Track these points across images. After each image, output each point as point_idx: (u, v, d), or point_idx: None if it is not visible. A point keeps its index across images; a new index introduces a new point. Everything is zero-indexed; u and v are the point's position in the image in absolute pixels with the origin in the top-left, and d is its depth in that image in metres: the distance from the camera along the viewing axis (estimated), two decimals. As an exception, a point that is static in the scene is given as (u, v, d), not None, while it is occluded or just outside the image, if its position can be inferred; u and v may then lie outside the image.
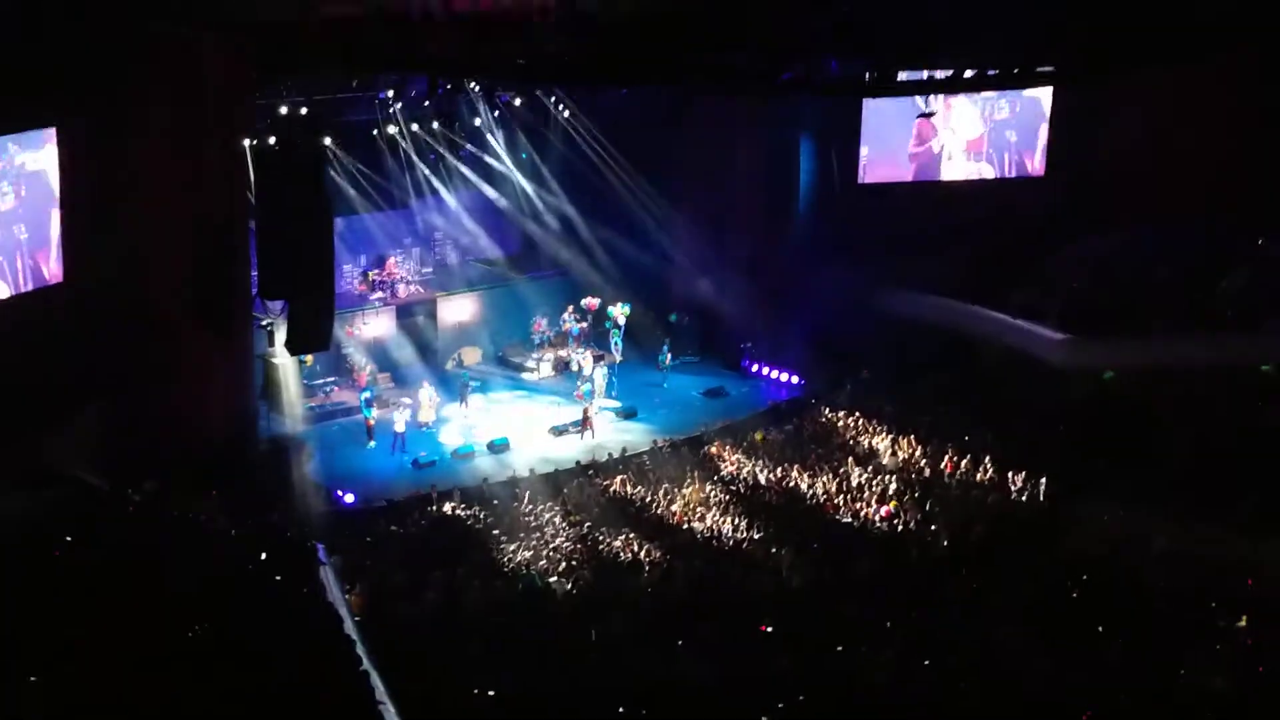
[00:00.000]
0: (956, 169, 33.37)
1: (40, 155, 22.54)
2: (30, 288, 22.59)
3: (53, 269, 22.98)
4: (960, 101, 31.44)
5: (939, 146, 33.24)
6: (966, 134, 33.01)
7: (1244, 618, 17.64)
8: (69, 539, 16.91)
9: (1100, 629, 18.01)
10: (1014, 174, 33.34)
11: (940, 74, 23.69)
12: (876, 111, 32.41)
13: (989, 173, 33.42)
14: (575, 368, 31.54)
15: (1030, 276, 31.01)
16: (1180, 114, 30.09)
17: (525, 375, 32.17)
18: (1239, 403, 26.33)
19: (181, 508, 20.37)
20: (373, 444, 27.94)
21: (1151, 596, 19.25)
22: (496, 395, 31.10)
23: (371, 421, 28.12)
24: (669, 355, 32.36)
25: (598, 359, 31.86)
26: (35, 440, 21.91)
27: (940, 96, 31.24)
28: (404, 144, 30.84)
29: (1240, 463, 24.02)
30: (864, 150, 33.01)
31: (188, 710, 12.04)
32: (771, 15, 21.39)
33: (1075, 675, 16.42)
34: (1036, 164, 33.26)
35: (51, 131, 22.57)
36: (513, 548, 23.17)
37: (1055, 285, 30.52)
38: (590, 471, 26.86)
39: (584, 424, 28.82)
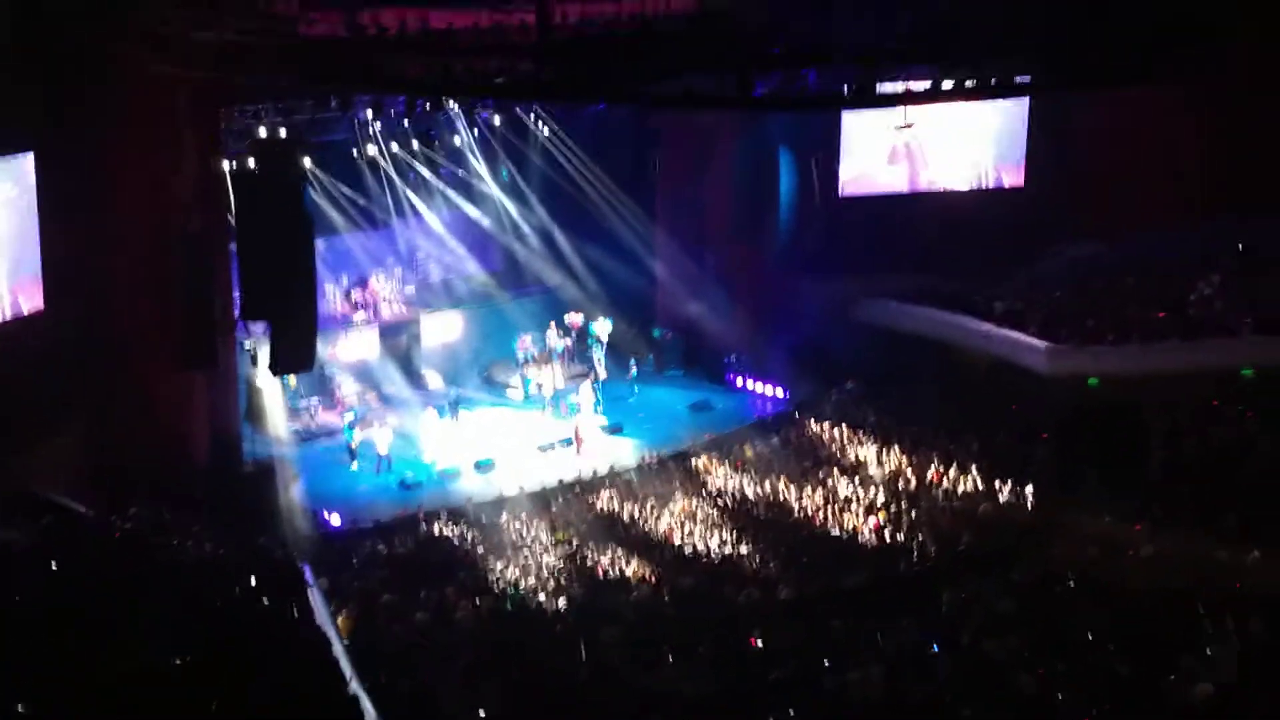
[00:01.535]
0: (936, 180, 33.44)
1: (17, 181, 22.42)
2: (10, 316, 22.48)
3: (32, 297, 22.83)
4: (939, 112, 31.52)
5: (918, 158, 33.29)
6: (945, 145, 33.08)
7: (1230, 621, 17.64)
8: (54, 566, 16.81)
9: (1090, 636, 18.00)
10: (994, 184, 33.41)
11: (918, 86, 23.75)
12: (856, 123, 32.50)
13: (969, 183, 33.47)
14: (537, 390, 31.58)
15: (1013, 285, 31.12)
16: (1159, 122, 30.21)
17: (510, 393, 32.14)
18: (1222, 407, 26.44)
19: (167, 532, 20.27)
20: (355, 466, 27.87)
21: (1140, 602, 19.26)
22: (481, 413, 31.05)
23: (354, 444, 28.05)
24: (635, 369, 32.27)
25: (582, 376, 31.88)
26: (17, 467, 21.81)
27: (919, 107, 31.33)
28: (384, 163, 30.84)
29: (1224, 467, 24.09)
30: (843, 162, 33.04)
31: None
32: (749, 32, 21.51)
33: (1066, 683, 16.42)
34: (1016, 174, 33.33)
35: (29, 156, 22.51)
36: (500, 566, 23.12)
37: (1037, 294, 30.63)
38: (577, 488, 26.83)
39: (575, 441, 28.78)
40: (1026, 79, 25.75)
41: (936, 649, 18.01)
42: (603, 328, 32.60)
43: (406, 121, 30.29)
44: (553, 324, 33.05)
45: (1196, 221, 30.16)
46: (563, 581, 22.53)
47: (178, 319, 23.83)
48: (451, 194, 32.73)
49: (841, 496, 25.44)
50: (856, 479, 26.22)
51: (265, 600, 17.23)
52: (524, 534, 24.80)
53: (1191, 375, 27.03)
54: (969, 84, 23.51)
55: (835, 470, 26.77)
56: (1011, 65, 23.68)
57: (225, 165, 25.08)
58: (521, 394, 31.75)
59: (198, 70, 21.43)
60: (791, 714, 15.91)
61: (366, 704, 14.51)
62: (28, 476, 22.02)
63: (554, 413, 30.67)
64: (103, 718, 12.06)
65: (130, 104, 23.39)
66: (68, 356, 23.16)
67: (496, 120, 32.05)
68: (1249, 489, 23.08)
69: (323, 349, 27.59)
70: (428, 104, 28.63)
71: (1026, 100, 32.20)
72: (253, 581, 17.72)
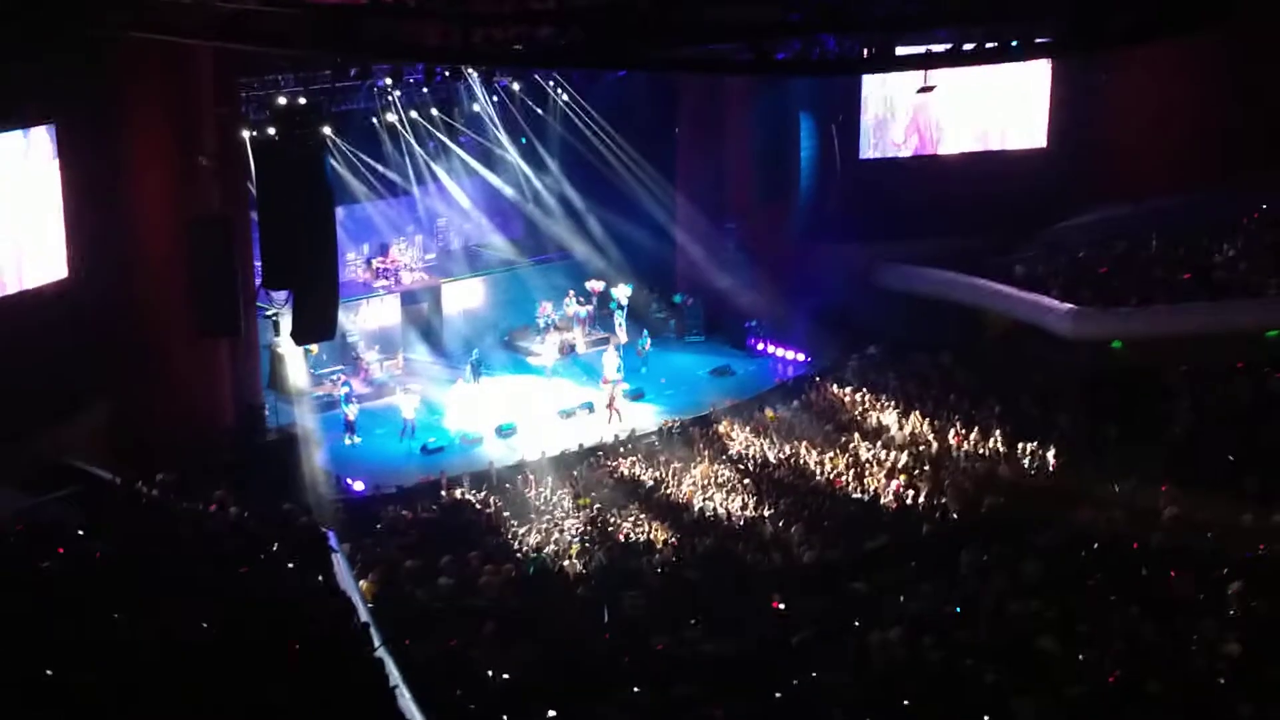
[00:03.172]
0: (958, 142, 33.28)
1: (37, 153, 22.51)
2: (32, 285, 22.61)
3: (55, 266, 22.94)
4: (960, 74, 31.33)
5: (940, 120, 33.13)
6: (967, 107, 32.90)
7: (1253, 584, 17.62)
8: (80, 533, 16.95)
9: (1112, 598, 17.99)
10: (1016, 146, 33.24)
11: (939, 48, 23.59)
12: (877, 86, 32.34)
13: (991, 145, 33.31)
14: (558, 356, 31.67)
15: (1035, 248, 31.00)
16: (1182, 83, 30.03)
17: (531, 359, 32.20)
18: (1246, 369, 26.33)
19: (193, 499, 20.41)
20: (349, 440, 27.74)
21: (1163, 565, 19.23)
22: (503, 379, 31.11)
23: (351, 417, 27.90)
24: (648, 341, 32.23)
25: (604, 342, 31.94)
26: (44, 437, 22.00)
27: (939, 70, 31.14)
28: (404, 131, 30.84)
29: (1248, 429, 24.01)
30: (864, 127, 32.91)
31: (201, 701, 12.07)
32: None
33: (1088, 645, 16.43)
34: (1038, 136, 33.13)
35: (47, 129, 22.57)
36: (523, 531, 23.22)
37: (1060, 256, 30.51)
38: (599, 453, 26.90)
39: (609, 406, 28.78)
40: (1048, 40, 25.57)
41: (959, 611, 18.03)
42: (624, 293, 32.61)
43: (426, 89, 30.26)
44: (572, 291, 33.06)
45: (1221, 182, 29.96)
46: (586, 545, 22.63)
47: (201, 287, 23.92)
48: (471, 161, 32.70)
49: (863, 460, 25.44)
50: (878, 443, 26.22)
51: (290, 565, 17.35)
52: (546, 499, 24.88)
53: (1216, 337, 26.93)
54: (989, 46, 23.33)
55: (856, 434, 26.77)
56: (1033, 27, 23.50)
57: (245, 134, 25.14)
58: (542, 360, 31.78)
59: (216, 40, 21.42)
60: (814, 676, 15.95)
61: (391, 667, 14.61)
62: (61, 448, 22.21)
63: (575, 378, 30.65)
64: (130, 682, 12.17)
65: (149, 74, 23.45)
66: (94, 328, 23.31)
67: (516, 87, 32.02)
68: (1274, 451, 23.01)
69: (344, 317, 27.69)
70: (447, 71, 28.60)
71: (1049, 62, 31.95)
72: (277, 547, 17.83)
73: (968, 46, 23.05)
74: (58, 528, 17.03)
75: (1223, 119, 29.98)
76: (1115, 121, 31.68)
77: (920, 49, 24.12)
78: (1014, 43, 23.48)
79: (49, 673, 11.97)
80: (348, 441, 27.68)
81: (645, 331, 32.35)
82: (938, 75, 29.28)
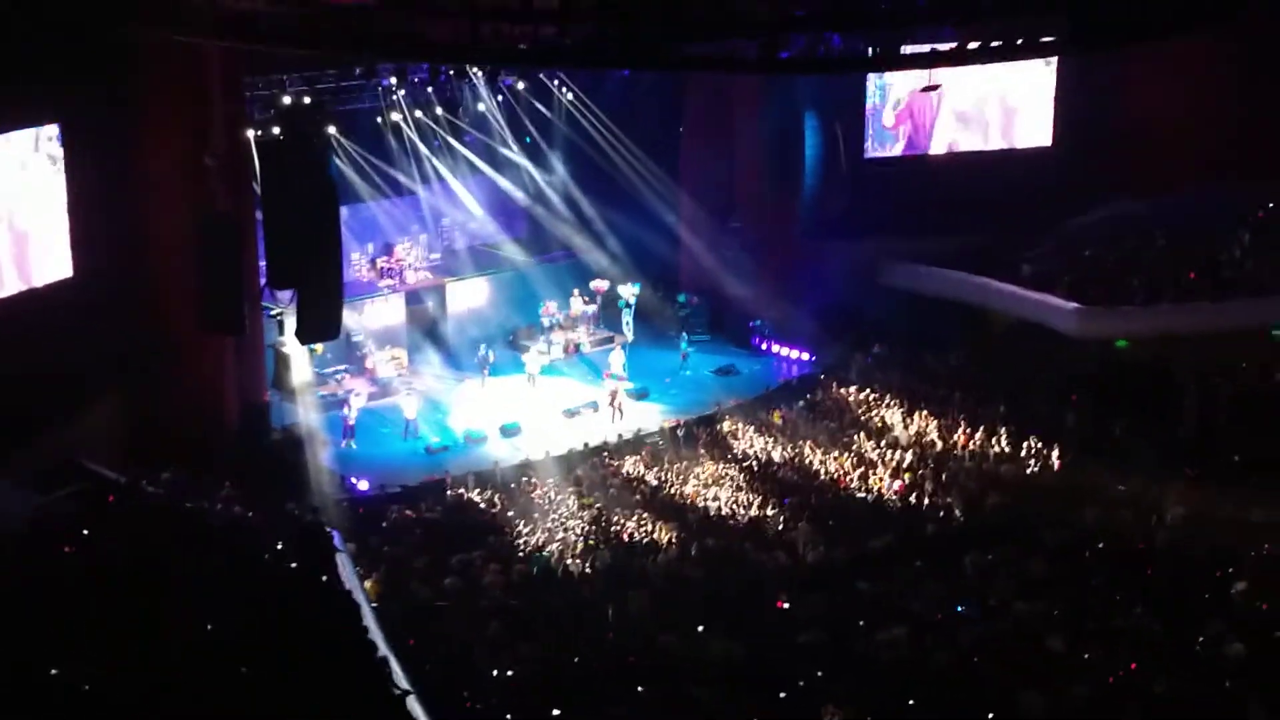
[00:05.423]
0: (963, 141, 33.24)
1: (44, 151, 22.49)
2: (39, 284, 22.61)
3: (61, 265, 22.95)
4: (966, 73, 31.30)
5: (945, 118, 33.09)
6: (973, 105, 32.86)
7: (1258, 584, 17.61)
8: (85, 532, 16.95)
9: (1118, 597, 17.98)
10: (1021, 144, 33.21)
11: (944, 47, 23.56)
12: (883, 85, 32.32)
13: (996, 144, 33.27)
14: (562, 355, 31.74)
15: (1040, 247, 30.95)
16: (1186, 82, 29.98)
17: (536, 358, 32.13)
18: (1251, 367, 26.30)
19: (197, 498, 20.42)
20: (346, 444, 27.55)
21: (1169, 564, 19.21)
22: (507, 378, 31.08)
23: (350, 421, 27.82)
24: (688, 346, 32.15)
25: (608, 341, 31.93)
26: (50, 435, 22.01)
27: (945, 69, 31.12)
28: (408, 131, 30.81)
29: (1254, 427, 23.98)
30: (869, 125, 32.88)
31: (207, 700, 12.07)
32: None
33: (1094, 644, 16.41)
34: (1044, 134, 33.09)
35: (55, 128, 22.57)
36: (527, 530, 23.20)
37: (1065, 255, 30.46)
38: (603, 453, 26.87)
39: (612, 406, 28.77)
40: (1052, 39, 25.53)
41: (963, 610, 18.01)
42: (631, 292, 32.60)
43: (430, 88, 30.25)
44: (576, 290, 33.06)
45: (1226, 180, 29.91)
46: (590, 545, 22.61)
47: (207, 286, 23.91)
48: (476, 160, 32.68)
49: (868, 459, 25.40)
50: (883, 442, 26.19)
51: (295, 564, 17.34)
52: (551, 499, 24.86)
53: (1223, 335, 26.89)
54: (994, 45, 23.29)
55: (862, 433, 26.73)
56: (1038, 25, 23.47)
57: (250, 134, 25.13)
58: (548, 359, 31.73)
59: (223, 39, 21.42)
60: (819, 676, 15.94)
61: (396, 666, 14.60)
62: (69, 446, 22.22)
63: (581, 378, 30.61)
64: (136, 682, 12.17)
65: (156, 73, 23.46)
66: (100, 326, 23.30)
67: (520, 86, 31.99)
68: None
69: (349, 317, 27.64)
70: (451, 71, 28.54)
71: (1054, 60, 31.90)
72: (281, 546, 17.83)
73: (972, 45, 23.04)
74: (65, 526, 17.02)
75: (1229, 116, 29.90)
76: (1121, 119, 31.63)
77: (925, 48, 24.12)
78: (1019, 41, 23.47)
79: (54, 671, 11.98)
80: (343, 446, 27.46)
81: (685, 335, 32.28)
82: (943, 74, 29.34)
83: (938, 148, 33.40)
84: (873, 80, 32.43)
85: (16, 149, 22.00)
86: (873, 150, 33.15)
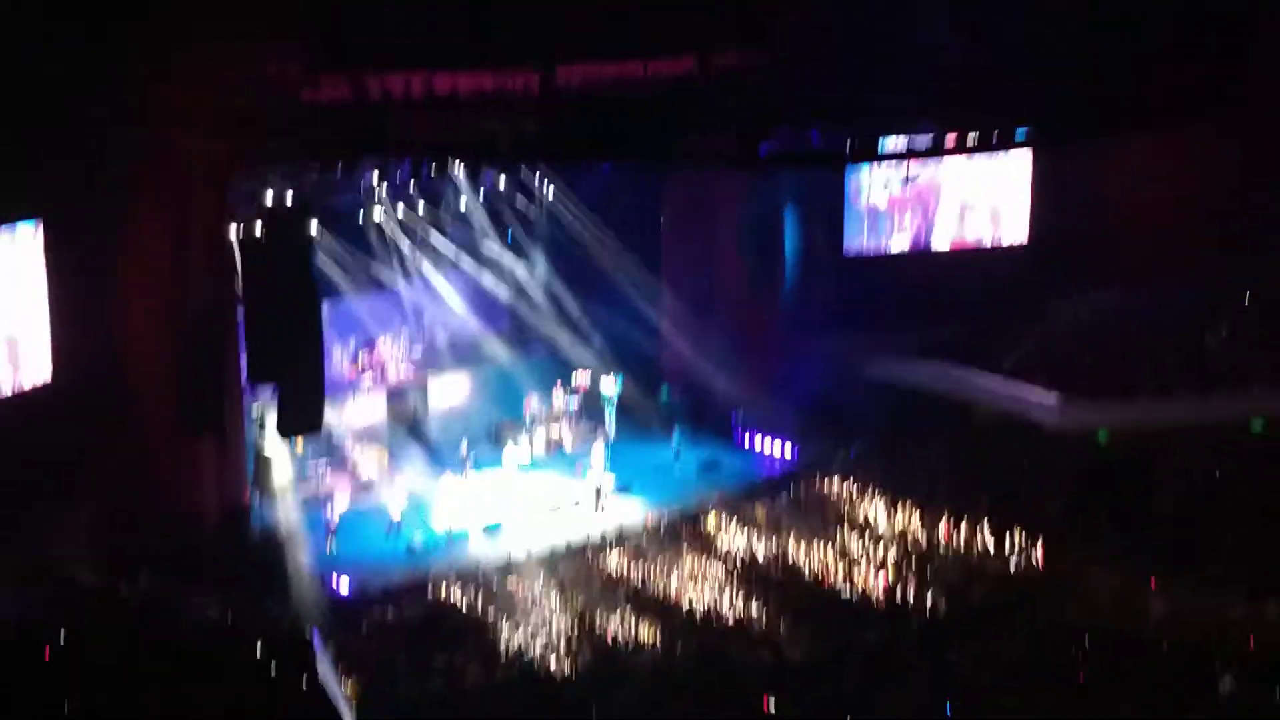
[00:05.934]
0: (941, 238, 33.43)
1: (23, 251, 22.49)
2: (17, 389, 22.49)
3: (39, 369, 22.85)
4: (942, 169, 31.56)
5: (924, 215, 33.31)
6: (950, 202, 33.09)
7: (1242, 679, 17.54)
8: (62, 636, 16.74)
9: (1103, 692, 17.87)
10: (999, 241, 33.37)
11: (921, 141, 23.86)
12: (860, 181, 32.58)
13: (974, 241, 33.44)
14: (545, 451, 31.78)
15: (1020, 341, 31.07)
16: (1162, 176, 30.27)
17: (517, 454, 32.06)
18: (1232, 461, 26.32)
19: (174, 600, 20.20)
20: (333, 546, 27.17)
21: (1153, 658, 19.12)
22: (490, 474, 30.95)
23: (333, 524, 27.54)
24: (680, 439, 31.99)
25: (591, 435, 31.87)
26: (26, 539, 21.78)
27: (922, 164, 31.42)
28: (391, 227, 30.95)
29: (1236, 520, 23.96)
30: (848, 221, 33.04)
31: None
32: (751, 91, 21.65)
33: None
34: (1020, 230, 33.27)
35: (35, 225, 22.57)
36: (510, 630, 22.99)
37: (1046, 348, 30.58)
38: (586, 551, 26.70)
39: (596, 501, 28.67)
40: (1027, 132, 25.85)
41: (949, 709, 17.89)
42: (612, 386, 32.61)
43: (412, 184, 30.41)
44: (559, 383, 33.06)
45: (1205, 270, 30.13)
46: (573, 645, 22.40)
47: (186, 387, 23.85)
48: (458, 256, 32.78)
49: (852, 554, 25.31)
50: (866, 536, 26.11)
51: (273, 667, 17.12)
52: (533, 598, 24.66)
53: (1203, 427, 26.94)
54: (970, 139, 23.64)
55: (845, 528, 26.64)
56: (1012, 120, 23.83)
57: (232, 231, 25.19)
58: (529, 455, 31.62)
59: (209, 139, 21.55)
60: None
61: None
62: (44, 549, 21.98)
63: (563, 473, 30.56)
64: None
65: (139, 173, 23.50)
66: (78, 427, 23.13)
67: (502, 182, 32.19)
68: (1263, 543, 22.96)
69: (330, 414, 27.55)
70: (433, 167, 28.74)
71: (1029, 154, 32.23)
72: (259, 648, 17.61)
73: (949, 140, 23.39)
74: (43, 633, 16.81)
75: (1208, 207, 30.15)
76: (1096, 212, 31.84)
77: (903, 142, 24.46)
78: (995, 135, 23.81)
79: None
80: (329, 549, 27.20)
81: (677, 431, 32.26)
82: (922, 171, 29.65)
83: (926, 244, 33.36)
84: (863, 185, 32.57)
85: (10, 249, 21.96)
86: (857, 245, 33.20)
